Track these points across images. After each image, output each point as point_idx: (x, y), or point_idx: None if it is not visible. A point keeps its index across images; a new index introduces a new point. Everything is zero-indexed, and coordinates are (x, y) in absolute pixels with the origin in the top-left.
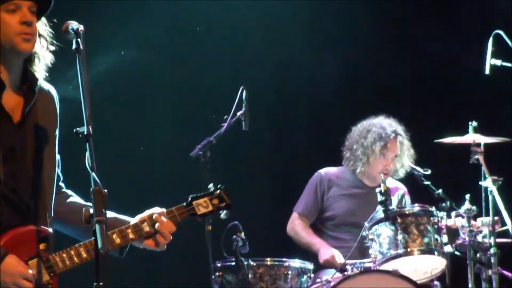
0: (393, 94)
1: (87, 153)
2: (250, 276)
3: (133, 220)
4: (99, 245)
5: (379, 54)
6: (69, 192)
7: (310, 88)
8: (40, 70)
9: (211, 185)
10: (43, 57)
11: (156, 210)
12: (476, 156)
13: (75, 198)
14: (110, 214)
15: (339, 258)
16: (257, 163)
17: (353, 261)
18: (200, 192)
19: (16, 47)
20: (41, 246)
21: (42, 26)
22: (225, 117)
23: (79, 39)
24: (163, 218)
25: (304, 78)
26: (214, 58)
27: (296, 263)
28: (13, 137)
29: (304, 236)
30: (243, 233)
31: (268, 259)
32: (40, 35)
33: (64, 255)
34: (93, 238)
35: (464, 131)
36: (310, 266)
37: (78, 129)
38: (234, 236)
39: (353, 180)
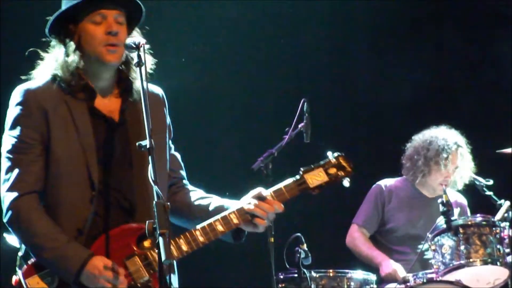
0: (454, 104)
1: (150, 166)
2: (312, 287)
3: (238, 203)
4: (163, 258)
5: (440, 64)
6: (191, 187)
7: (372, 101)
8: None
9: (329, 153)
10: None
11: (258, 191)
12: None
13: (195, 193)
14: (217, 200)
15: (401, 272)
16: None
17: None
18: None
19: (101, 58)
20: (146, 244)
21: (137, 33)
22: (286, 129)
23: (140, 53)
24: (263, 202)
25: (366, 90)
26: (276, 70)
27: (358, 274)
28: (113, 138)
29: (364, 249)
30: (305, 245)
31: (331, 270)
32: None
33: (172, 247)
34: (193, 229)
35: None
36: (373, 277)
37: (140, 142)
38: (297, 248)
39: (413, 191)
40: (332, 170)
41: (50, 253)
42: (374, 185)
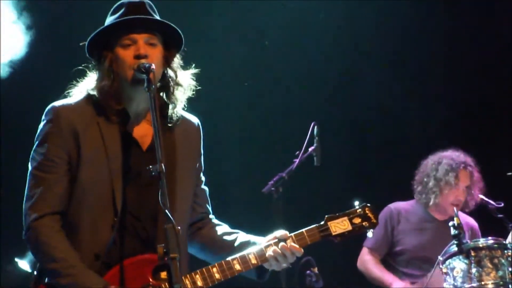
0: (465, 127)
1: (160, 191)
2: None
3: (261, 242)
4: (173, 282)
5: (449, 87)
6: (216, 222)
7: (381, 124)
8: (178, 99)
9: (356, 203)
10: (182, 87)
11: (280, 233)
12: None
13: (221, 228)
14: (243, 236)
15: None
16: (330, 198)
17: None
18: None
19: (130, 81)
20: (162, 275)
21: (176, 58)
22: (297, 152)
23: (150, 78)
24: (284, 245)
25: (375, 113)
26: (286, 94)
27: None
28: (140, 164)
29: (375, 271)
30: (316, 268)
31: None
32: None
33: (187, 281)
34: (211, 266)
35: None
36: None
37: (151, 166)
38: (308, 272)
39: (424, 214)
40: (357, 220)
41: (66, 279)
42: (384, 208)
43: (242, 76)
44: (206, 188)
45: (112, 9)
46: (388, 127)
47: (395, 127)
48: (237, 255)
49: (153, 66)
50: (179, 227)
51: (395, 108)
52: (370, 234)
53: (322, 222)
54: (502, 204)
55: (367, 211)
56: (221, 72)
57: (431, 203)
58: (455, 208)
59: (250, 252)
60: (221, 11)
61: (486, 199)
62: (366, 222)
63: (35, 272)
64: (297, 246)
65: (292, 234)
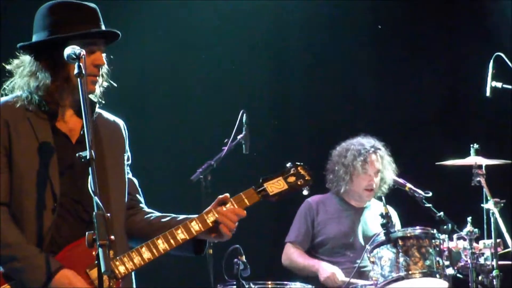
0: (396, 118)
1: (90, 177)
2: None
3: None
4: (103, 269)
5: (379, 80)
6: (148, 210)
7: (309, 112)
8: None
9: (288, 163)
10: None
11: (220, 198)
12: (478, 179)
13: (154, 214)
14: (178, 216)
15: (340, 275)
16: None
17: (355, 280)
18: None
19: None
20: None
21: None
22: (226, 140)
23: (81, 64)
24: (224, 208)
25: (303, 101)
26: (215, 81)
27: (297, 285)
28: (71, 155)
29: (300, 261)
30: (244, 257)
31: (270, 282)
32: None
33: (125, 258)
34: (155, 238)
35: (466, 154)
36: None
37: (81, 153)
38: (236, 260)
39: (340, 203)
40: (292, 179)
41: (21, 263)
42: (303, 203)
43: (172, 62)
44: (135, 179)
45: (61, 7)
46: (315, 116)
47: (322, 117)
48: (180, 225)
49: (83, 52)
50: (108, 214)
51: (322, 98)
52: (305, 191)
53: (258, 184)
54: (430, 194)
55: (300, 170)
56: (150, 59)
57: (342, 190)
58: (369, 193)
59: (192, 219)
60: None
61: (414, 188)
62: (301, 180)
63: None
64: (237, 208)
65: (231, 198)
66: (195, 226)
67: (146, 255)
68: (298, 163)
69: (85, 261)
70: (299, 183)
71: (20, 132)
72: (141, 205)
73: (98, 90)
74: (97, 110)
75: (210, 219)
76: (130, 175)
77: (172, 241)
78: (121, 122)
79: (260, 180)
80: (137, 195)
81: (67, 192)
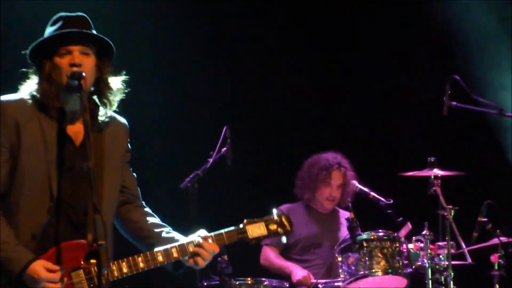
0: (360, 131)
1: (90, 185)
2: None
3: (182, 240)
4: (103, 266)
5: (340, 93)
6: (148, 211)
7: (287, 131)
8: (109, 102)
9: (274, 210)
10: (112, 91)
11: (202, 233)
12: (434, 188)
13: (152, 219)
14: (170, 233)
15: (311, 278)
16: (242, 194)
17: (324, 280)
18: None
19: (64, 86)
20: (92, 261)
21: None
22: (211, 153)
23: (81, 84)
24: (205, 242)
25: (283, 115)
26: (202, 97)
27: (274, 282)
28: (74, 158)
29: (276, 262)
30: (226, 256)
31: (249, 278)
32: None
33: (114, 267)
34: (136, 255)
35: (424, 166)
36: (286, 285)
37: (83, 166)
38: (219, 258)
39: (307, 209)
40: (273, 227)
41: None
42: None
43: (159, 77)
44: (134, 175)
45: (51, 21)
46: (299, 136)
47: (300, 139)
48: (161, 248)
49: (84, 74)
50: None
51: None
52: (283, 239)
53: (241, 226)
54: (392, 201)
55: (283, 219)
56: (140, 74)
57: (306, 196)
58: (331, 202)
59: (173, 246)
60: None
61: (377, 196)
62: (281, 229)
63: None
64: (214, 244)
65: (213, 233)
66: (175, 253)
67: (125, 270)
68: (283, 213)
69: (71, 263)
70: (279, 230)
71: (29, 131)
72: (139, 201)
73: (86, 86)
74: (103, 110)
75: (189, 249)
76: (130, 171)
77: (151, 262)
78: (124, 122)
79: (244, 222)
80: (136, 190)
81: (63, 194)
